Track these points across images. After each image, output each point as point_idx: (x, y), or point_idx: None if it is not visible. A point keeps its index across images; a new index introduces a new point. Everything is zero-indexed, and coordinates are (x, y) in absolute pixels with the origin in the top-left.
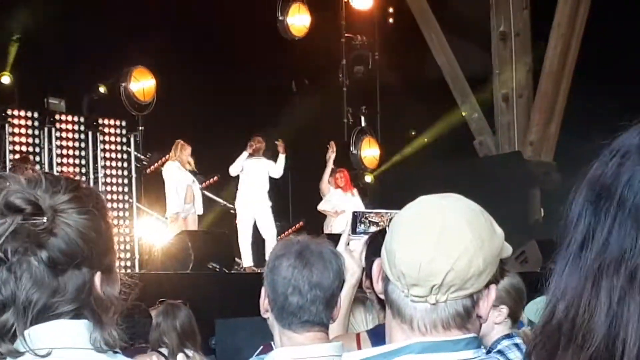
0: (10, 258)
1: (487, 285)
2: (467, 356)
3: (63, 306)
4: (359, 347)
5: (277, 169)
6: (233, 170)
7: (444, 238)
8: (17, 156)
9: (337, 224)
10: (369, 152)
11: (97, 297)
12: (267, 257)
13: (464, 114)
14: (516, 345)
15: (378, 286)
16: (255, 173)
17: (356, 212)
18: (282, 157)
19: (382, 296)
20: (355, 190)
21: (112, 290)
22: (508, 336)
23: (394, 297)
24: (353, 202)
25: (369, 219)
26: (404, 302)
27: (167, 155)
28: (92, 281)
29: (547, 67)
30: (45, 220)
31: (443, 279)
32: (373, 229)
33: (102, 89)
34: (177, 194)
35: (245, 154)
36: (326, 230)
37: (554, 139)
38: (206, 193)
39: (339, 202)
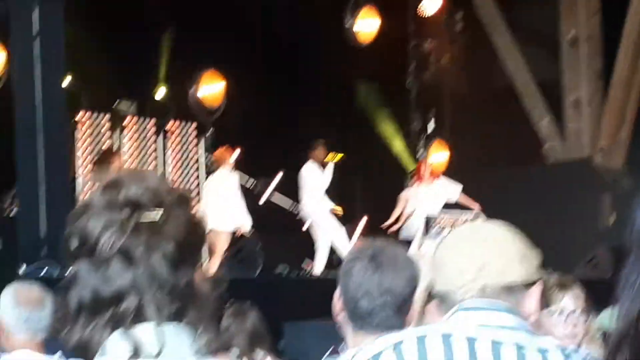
0: (132, 254)
1: (531, 284)
2: (511, 321)
3: (174, 304)
4: None
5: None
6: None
7: (480, 241)
8: (88, 159)
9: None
10: (437, 157)
11: (198, 295)
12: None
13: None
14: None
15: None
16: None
17: (429, 215)
18: (331, 166)
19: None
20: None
21: (207, 289)
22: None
23: (445, 305)
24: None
25: (442, 222)
26: (455, 298)
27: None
28: (193, 279)
29: (617, 72)
30: (163, 215)
31: (483, 261)
32: (446, 232)
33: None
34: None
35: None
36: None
37: (625, 145)
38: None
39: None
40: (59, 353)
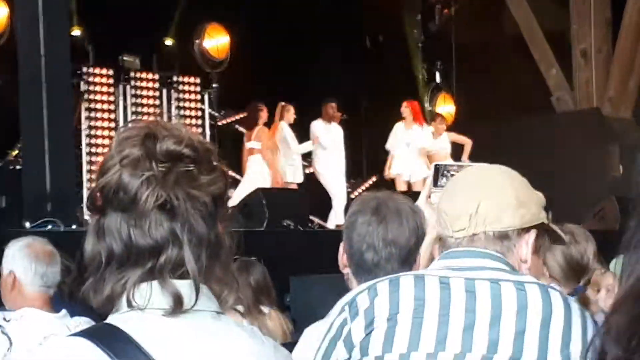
0: (174, 205)
1: (527, 230)
2: (495, 265)
3: (207, 257)
4: None
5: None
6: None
7: (479, 182)
8: (92, 114)
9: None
10: (444, 108)
11: (224, 248)
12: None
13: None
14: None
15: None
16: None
17: (438, 164)
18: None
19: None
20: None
21: (229, 242)
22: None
23: (443, 249)
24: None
25: (451, 171)
26: (449, 244)
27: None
28: (219, 232)
29: (626, 21)
30: (200, 166)
31: (477, 207)
32: None
33: (169, 42)
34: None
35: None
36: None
37: (634, 95)
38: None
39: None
40: (63, 311)
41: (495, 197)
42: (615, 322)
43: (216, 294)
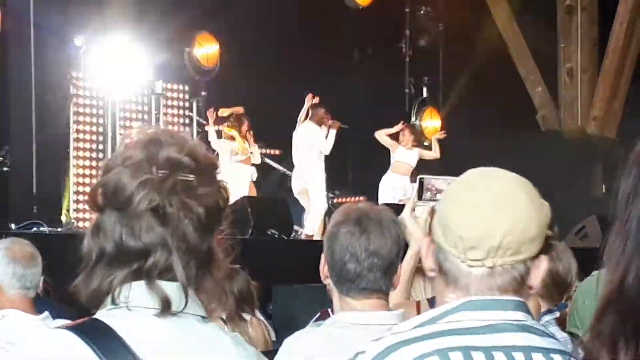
0: (166, 212)
1: (538, 255)
2: (518, 317)
3: (196, 267)
4: None
5: (327, 144)
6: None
7: (499, 201)
8: (80, 119)
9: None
10: (430, 123)
11: (215, 261)
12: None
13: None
14: (557, 319)
15: (427, 262)
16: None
17: (422, 178)
18: (332, 133)
19: (431, 273)
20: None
21: (221, 255)
22: (549, 311)
23: (447, 267)
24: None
25: (436, 185)
26: (459, 270)
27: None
28: (213, 245)
29: (612, 42)
30: (199, 177)
31: (501, 241)
32: (439, 196)
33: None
34: None
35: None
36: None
37: (618, 115)
38: (267, 161)
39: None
40: (45, 313)
41: (520, 228)
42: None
43: (204, 305)
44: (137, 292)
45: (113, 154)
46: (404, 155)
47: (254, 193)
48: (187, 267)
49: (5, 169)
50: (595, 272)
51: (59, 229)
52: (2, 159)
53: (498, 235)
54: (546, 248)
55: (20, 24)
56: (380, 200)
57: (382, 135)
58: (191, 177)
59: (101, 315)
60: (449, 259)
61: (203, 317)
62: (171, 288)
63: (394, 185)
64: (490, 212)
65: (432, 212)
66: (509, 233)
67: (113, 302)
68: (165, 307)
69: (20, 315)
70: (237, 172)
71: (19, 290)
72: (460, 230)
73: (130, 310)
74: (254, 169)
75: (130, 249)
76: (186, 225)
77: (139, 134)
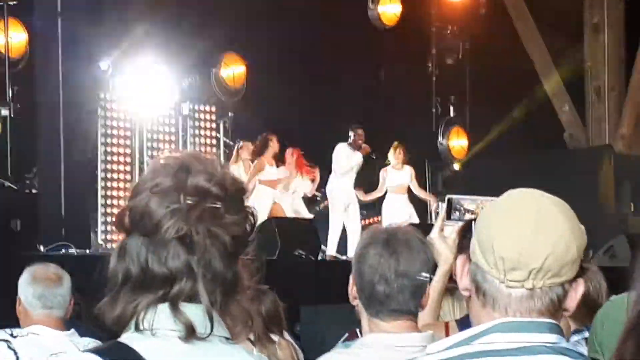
0: (193, 239)
1: (575, 278)
2: (553, 340)
3: (222, 293)
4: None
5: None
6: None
7: (541, 223)
8: (108, 140)
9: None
10: (457, 142)
11: (241, 286)
12: (349, 246)
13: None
14: (586, 339)
15: (463, 282)
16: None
17: (450, 197)
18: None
19: (466, 293)
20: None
21: (246, 280)
22: (578, 331)
23: (486, 287)
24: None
25: (464, 205)
26: (498, 291)
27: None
28: (238, 270)
29: (639, 60)
30: (227, 205)
31: (543, 263)
32: (468, 216)
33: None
34: None
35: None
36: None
37: None
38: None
39: None
40: (72, 330)
41: (561, 251)
42: (625, 350)
43: (230, 328)
44: (161, 317)
45: (141, 177)
46: (395, 178)
47: (278, 213)
48: (213, 294)
49: (34, 191)
50: (613, 297)
51: (88, 251)
52: (30, 181)
53: (540, 257)
54: (582, 271)
55: (48, 46)
56: (384, 222)
57: (366, 196)
58: (219, 204)
59: (126, 338)
60: (487, 280)
61: (227, 339)
62: (196, 312)
63: (394, 205)
64: (533, 233)
65: (462, 231)
66: (551, 255)
67: (137, 327)
68: (190, 332)
69: (46, 331)
70: (260, 193)
71: (42, 309)
72: (502, 251)
73: (155, 334)
74: (276, 191)
75: (156, 275)
76: (212, 253)
77: (167, 159)
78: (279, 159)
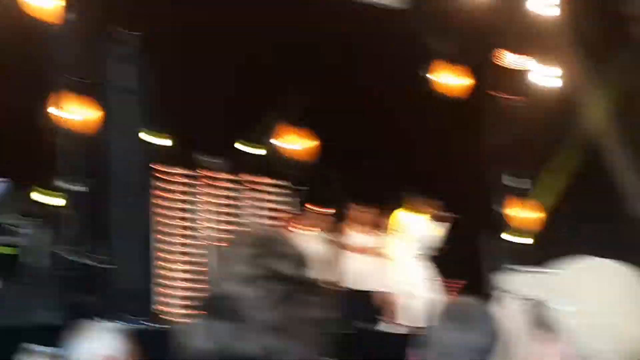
0: (276, 325)
1: None
2: None
3: None
4: None
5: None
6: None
7: (627, 302)
8: (164, 211)
9: None
10: (520, 212)
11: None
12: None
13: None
14: None
15: None
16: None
17: (512, 269)
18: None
19: None
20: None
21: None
22: None
23: None
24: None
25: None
26: None
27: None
28: None
29: None
30: (310, 289)
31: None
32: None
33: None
34: None
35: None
36: None
37: None
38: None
39: None
40: None
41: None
42: None
43: None
44: None
45: (221, 259)
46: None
47: None
48: None
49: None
50: None
51: (154, 324)
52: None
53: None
54: None
55: (117, 122)
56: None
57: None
58: (300, 288)
59: None
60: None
61: None
62: None
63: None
64: (626, 316)
65: (535, 308)
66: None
67: None
68: None
69: None
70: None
71: None
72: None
73: None
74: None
75: (236, 354)
76: (296, 336)
77: (248, 238)
78: None
